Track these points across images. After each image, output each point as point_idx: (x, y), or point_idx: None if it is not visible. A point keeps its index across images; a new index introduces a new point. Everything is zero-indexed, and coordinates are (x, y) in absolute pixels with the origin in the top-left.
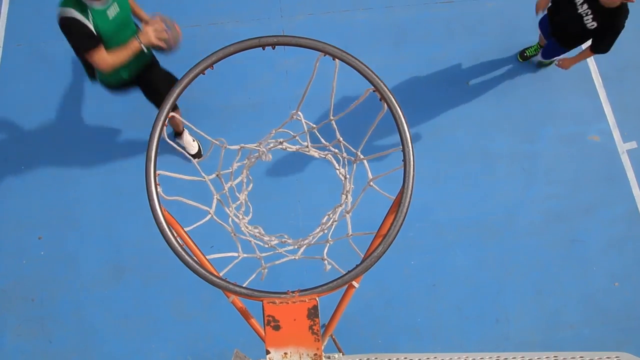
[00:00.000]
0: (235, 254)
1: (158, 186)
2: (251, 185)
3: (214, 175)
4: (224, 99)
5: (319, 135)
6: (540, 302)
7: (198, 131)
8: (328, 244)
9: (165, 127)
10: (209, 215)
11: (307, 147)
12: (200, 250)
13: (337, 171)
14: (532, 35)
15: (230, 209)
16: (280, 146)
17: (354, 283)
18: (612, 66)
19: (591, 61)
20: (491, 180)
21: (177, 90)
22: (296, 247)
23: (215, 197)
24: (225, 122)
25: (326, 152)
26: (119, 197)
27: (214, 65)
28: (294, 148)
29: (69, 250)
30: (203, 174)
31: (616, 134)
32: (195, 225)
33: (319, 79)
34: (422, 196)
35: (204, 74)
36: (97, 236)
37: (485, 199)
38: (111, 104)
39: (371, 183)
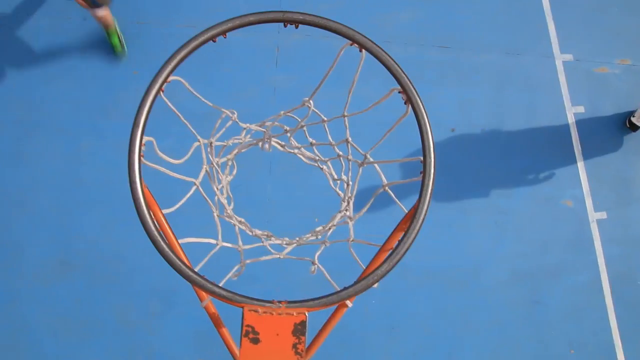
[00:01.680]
0: (214, 241)
1: (142, 157)
2: (235, 171)
3: (207, 141)
4: (206, 105)
5: (327, 131)
6: None
7: (205, 101)
8: (323, 246)
9: (162, 93)
10: (194, 187)
11: (309, 144)
12: (177, 240)
13: (330, 181)
14: (520, 94)
15: (218, 187)
16: (277, 143)
17: (348, 302)
18: (592, 137)
19: (573, 129)
20: (463, 230)
21: (182, 52)
22: (284, 244)
23: (204, 167)
24: (205, 128)
25: (326, 159)
26: (78, 187)
27: (226, 34)
28: (294, 150)
29: (15, 236)
30: (198, 137)
31: (588, 202)
32: (177, 206)
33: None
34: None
35: (214, 41)
36: (47, 226)
37: (454, 248)
38: (85, 88)
39: (386, 188)
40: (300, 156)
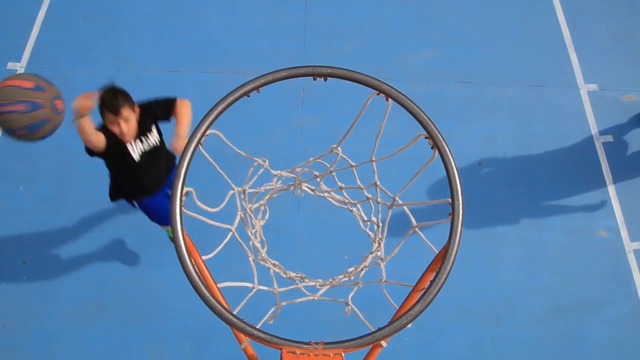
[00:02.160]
0: (250, 285)
1: (183, 207)
2: (267, 215)
3: (241, 189)
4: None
5: (355, 175)
6: None
7: (239, 151)
8: (356, 287)
9: (200, 146)
10: (230, 233)
11: (339, 188)
12: (215, 283)
13: (360, 223)
14: (546, 126)
15: (252, 232)
16: (308, 187)
17: (382, 342)
18: (622, 166)
19: (603, 158)
20: (495, 264)
21: (219, 108)
22: (317, 286)
23: (238, 214)
24: (233, 171)
25: (356, 201)
26: (114, 231)
27: (260, 89)
28: (324, 194)
29: (52, 279)
30: (233, 185)
31: (624, 232)
32: (214, 253)
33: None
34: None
35: (249, 96)
36: (83, 268)
37: (487, 282)
38: None
39: (416, 229)
40: (330, 199)
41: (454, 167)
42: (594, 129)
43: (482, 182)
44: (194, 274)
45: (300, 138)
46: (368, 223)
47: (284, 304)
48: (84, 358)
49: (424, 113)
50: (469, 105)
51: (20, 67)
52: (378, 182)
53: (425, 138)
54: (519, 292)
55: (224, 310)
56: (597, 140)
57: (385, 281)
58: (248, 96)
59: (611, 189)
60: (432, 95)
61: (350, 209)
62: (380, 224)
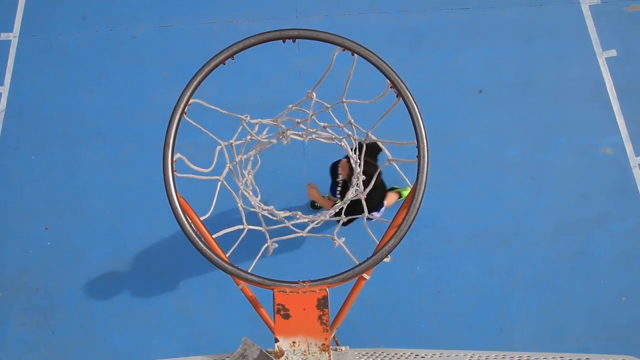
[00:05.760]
0: (241, 227)
1: (175, 172)
2: (258, 165)
3: (227, 143)
4: (236, 97)
5: (332, 116)
6: (545, 314)
7: (222, 111)
8: (341, 222)
9: (184, 115)
10: (219, 182)
11: (322, 127)
12: (213, 238)
13: (351, 159)
14: (547, 45)
15: (242, 181)
16: (295, 134)
17: (365, 275)
18: (627, 79)
19: (606, 74)
20: (501, 188)
21: (197, 79)
22: (309, 221)
23: (227, 166)
24: (236, 119)
25: (341, 137)
26: (127, 190)
27: (234, 57)
28: (304, 137)
29: (75, 242)
30: (219, 140)
31: (629, 148)
32: (210, 211)
33: (335, 78)
34: (430, 202)
35: (224, 64)
36: (103, 229)
37: (494, 207)
38: (122, 98)
39: (392, 162)
40: (320, 139)
41: (418, 113)
42: (596, 45)
43: (483, 108)
44: (190, 230)
45: (299, 81)
46: (355, 155)
47: (275, 239)
48: (115, 311)
49: (386, 64)
50: (466, 32)
51: (13, 37)
52: (352, 120)
53: (391, 87)
54: (526, 214)
55: (219, 260)
56: (600, 56)
57: (367, 217)
58: (224, 64)
59: (615, 105)
60: (429, 25)
61: (339, 143)
62: (358, 160)
